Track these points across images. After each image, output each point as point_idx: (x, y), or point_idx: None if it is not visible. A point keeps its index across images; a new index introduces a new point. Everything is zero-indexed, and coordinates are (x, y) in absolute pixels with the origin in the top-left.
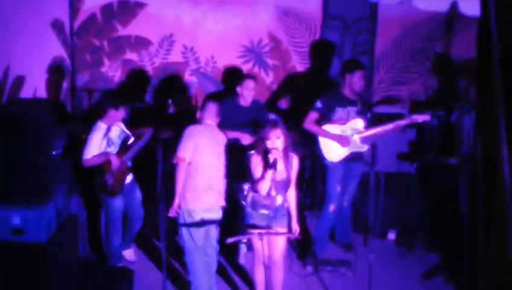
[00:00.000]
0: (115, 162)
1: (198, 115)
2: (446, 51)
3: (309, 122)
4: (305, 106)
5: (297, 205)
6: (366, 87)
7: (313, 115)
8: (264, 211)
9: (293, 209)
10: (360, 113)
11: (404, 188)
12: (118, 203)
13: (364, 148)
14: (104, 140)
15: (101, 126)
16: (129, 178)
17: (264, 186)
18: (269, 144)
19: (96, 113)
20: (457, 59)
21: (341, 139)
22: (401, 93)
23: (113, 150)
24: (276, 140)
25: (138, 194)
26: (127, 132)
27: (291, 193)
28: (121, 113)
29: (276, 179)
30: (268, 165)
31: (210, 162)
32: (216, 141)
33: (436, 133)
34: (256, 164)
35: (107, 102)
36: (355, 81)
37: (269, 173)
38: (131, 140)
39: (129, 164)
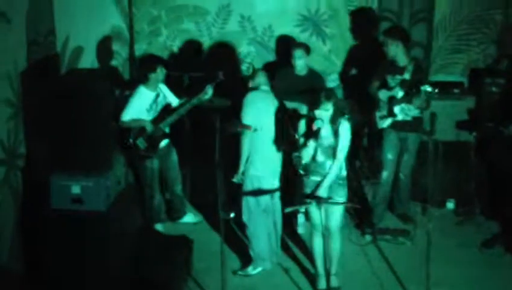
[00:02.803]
0: (149, 128)
1: (251, 83)
2: (505, 18)
3: (372, 88)
4: (365, 75)
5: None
6: (425, 55)
7: (375, 83)
8: (315, 178)
9: (330, 175)
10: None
11: (463, 156)
12: (151, 163)
13: (401, 117)
14: (143, 104)
15: (141, 90)
16: (164, 142)
17: (306, 154)
18: (317, 113)
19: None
20: None
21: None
22: (459, 62)
23: (152, 114)
24: (324, 111)
25: (174, 157)
26: (171, 97)
27: (336, 160)
28: (159, 75)
29: (323, 144)
30: (310, 133)
31: (273, 127)
32: (274, 106)
33: (496, 101)
34: (302, 128)
35: (144, 65)
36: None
37: (311, 141)
38: (173, 105)
39: (166, 129)
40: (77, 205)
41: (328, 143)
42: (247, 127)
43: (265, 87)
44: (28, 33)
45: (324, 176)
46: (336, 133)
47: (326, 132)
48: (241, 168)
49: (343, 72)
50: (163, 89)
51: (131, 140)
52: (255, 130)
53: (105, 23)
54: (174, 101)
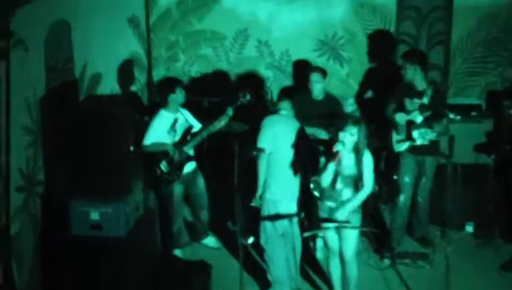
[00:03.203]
0: (171, 151)
1: (272, 108)
2: None
3: (388, 111)
4: (382, 98)
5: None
6: (442, 78)
7: (392, 106)
8: (329, 203)
9: (356, 199)
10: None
11: (482, 179)
12: (176, 189)
13: (420, 141)
14: (164, 128)
15: (162, 113)
16: (190, 166)
17: (326, 178)
18: (341, 136)
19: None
20: None
21: (397, 128)
22: (476, 84)
23: (174, 137)
24: (350, 136)
25: (201, 182)
26: (192, 121)
27: (365, 189)
28: (179, 96)
29: (343, 173)
30: (330, 156)
31: (290, 151)
32: (293, 129)
33: None
34: (324, 155)
35: (163, 87)
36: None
37: (331, 165)
38: (196, 129)
39: (190, 152)
40: (96, 231)
41: (349, 172)
42: (261, 150)
43: (285, 112)
44: (46, 60)
45: (341, 202)
46: (359, 163)
47: (348, 161)
48: (259, 192)
49: (359, 95)
50: (184, 112)
51: (155, 165)
52: (270, 153)
53: (123, 49)
54: (195, 124)
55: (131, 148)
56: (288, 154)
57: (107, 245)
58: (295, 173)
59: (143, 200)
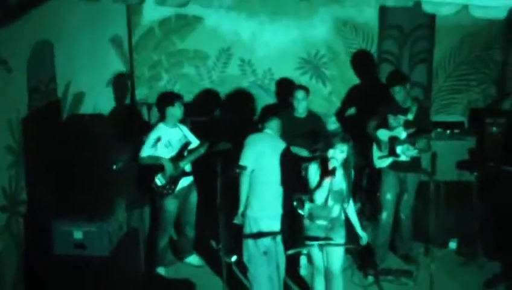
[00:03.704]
0: (167, 166)
1: (259, 126)
2: (504, 58)
3: (369, 128)
4: (364, 115)
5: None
6: (425, 96)
7: (373, 122)
8: (321, 222)
9: (354, 218)
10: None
11: (465, 196)
12: (169, 205)
13: (404, 157)
14: (161, 141)
15: (160, 126)
16: (186, 181)
17: (320, 195)
18: (331, 153)
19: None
20: None
21: (380, 144)
22: (459, 102)
23: (171, 152)
24: (340, 153)
25: (194, 199)
26: (190, 137)
27: (350, 204)
28: (178, 110)
29: (333, 189)
30: (326, 173)
31: (273, 170)
32: (277, 148)
33: (497, 140)
34: (314, 173)
35: (161, 101)
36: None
37: (326, 182)
38: (193, 145)
39: (186, 168)
40: (80, 250)
41: (339, 187)
42: (243, 167)
43: (270, 131)
44: (29, 81)
45: (330, 220)
46: (348, 178)
47: (337, 177)
48: (241, 209)
49: (340, 112)
50: (183, 128)
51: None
52: (253, 171)
53: (106, 69)
54: (194, 140)
55: (114, 166)
56: (271, 172)
57: (90, 264)
58: (278, 191)
59: (126, 219)
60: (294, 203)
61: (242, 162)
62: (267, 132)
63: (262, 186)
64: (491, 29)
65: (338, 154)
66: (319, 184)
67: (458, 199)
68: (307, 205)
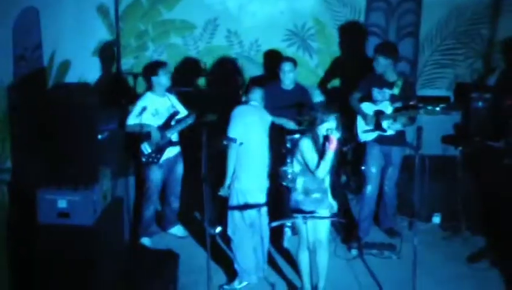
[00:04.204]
0: (154, 134)
1: (244, 97)
2: (491, 33)
3: (353, 100)
4: (349, 88)
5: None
6: (411, 70)
7: (356, 95)
8: (316, 195)
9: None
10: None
11: (450, 171)
12: (154, 174)
13: (389, 131)
14: (148, 110)
15: (147, 95)
16: (173, 151)
17: (323, 169)
18: (328, 125)
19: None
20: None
21: (366, 118)
22: (445, 76)
23: (158, 121)
24: (332, 122)
25: (180, 169)
26: (179, 106)
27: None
28: (163, 78)
29: None
30: (329, 147)
31: (261, 142)
32: (264, 120)
33: (483, 116)
34: (308, 148)
35: (146, 71)
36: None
37: (331, 154)
38: (182, 115)
39: (172, 138)
40: (64, 219)
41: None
42: (231, 140)
43: (255, 103)
44: (14, 49)
45: (324, 192)
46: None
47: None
48: (227, 182)
49: (322, 83)
50: (171, 97)
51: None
52: (241, 143)
53: (92, 38)
54: (182, 110)
55: (100, 136)
56: (259, 144)
57: (74, 233)
58: (265, 163)
59: (111, 188)
60: (280, 175)
61: (230, 134)
62: (253, 104)
63: (250, 159)
64: (478, 4)
65: (333, 124)
66: (322, 157)
67: (443, 173)
68: (301, 179)
